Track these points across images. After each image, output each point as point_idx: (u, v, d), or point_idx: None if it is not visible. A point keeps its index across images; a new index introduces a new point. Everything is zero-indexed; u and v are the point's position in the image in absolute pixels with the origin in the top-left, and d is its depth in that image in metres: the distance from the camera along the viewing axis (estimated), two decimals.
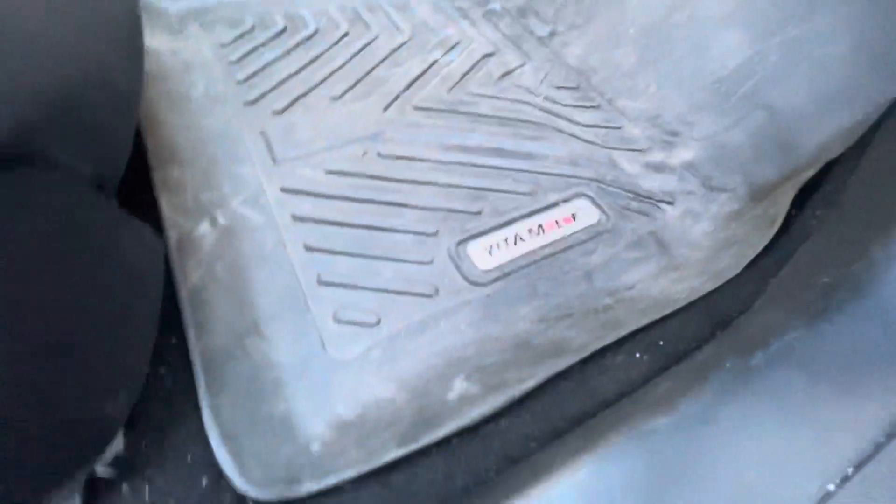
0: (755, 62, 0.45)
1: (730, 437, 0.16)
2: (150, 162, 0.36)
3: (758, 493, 0.15)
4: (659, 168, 0.45)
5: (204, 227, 0.33)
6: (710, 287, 0.29)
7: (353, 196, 0.37)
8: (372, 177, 0.39)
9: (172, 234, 0.31)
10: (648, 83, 0.51)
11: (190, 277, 0.29)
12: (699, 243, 0.38)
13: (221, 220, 0.34)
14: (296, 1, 0.55)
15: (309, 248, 0.34)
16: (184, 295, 0.28)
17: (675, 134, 0.48)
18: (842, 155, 0.37)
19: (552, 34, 0.59)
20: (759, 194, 0.42)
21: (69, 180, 0.16)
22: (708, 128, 0.47)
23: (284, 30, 0.51)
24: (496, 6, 0.63)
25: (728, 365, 0.19)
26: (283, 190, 0.37)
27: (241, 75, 0.46)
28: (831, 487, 0.16)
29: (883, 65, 0.38)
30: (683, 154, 0.47)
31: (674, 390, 0.19)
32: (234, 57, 0.48)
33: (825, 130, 0.41)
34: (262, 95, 0.44)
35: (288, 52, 0.49)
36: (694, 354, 0.21)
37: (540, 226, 0.37)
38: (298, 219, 0.35)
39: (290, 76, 0.47)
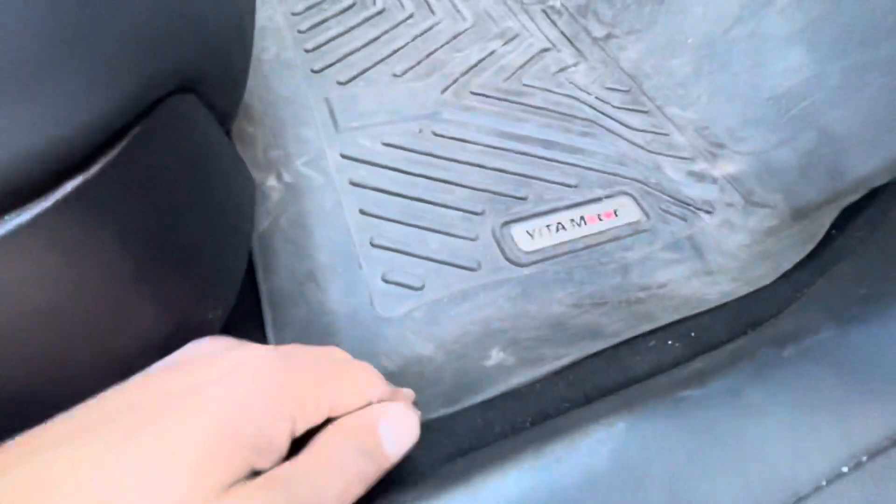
0: (813, 84, 0.45)
1: (756, 412, 0.17)
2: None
3: (777, 464, 0.17)
4: (701, 177, 0.46)
5: (272, 181, 0.35)
6: (742, 292, 0.30)
7: (407, 169, 0.39)
8: (426, 153, 0.41)
9: None
10: (700, 94, 0.52)
11: (259, 224, 0.32)
12: (734, 253, 0.39)
13: (287, 178, 0.36)
14: None
15: (363, 212, 0.36)
16: (255, 239, 0.31)
17: (721, 146, 0.49)
18: (888, 183, 0.38)
19: (608, 36, 0.59)
20: (799, 214, 0.43)
21: (208, 114, 0.18)
22: (756, 143, 0.48)
23: (353, 6, 0.53)
24: (556, 3, 0.64)
25: (759, 354, 0.20)
26: (343, 156, 0.39)
27: (309, 45, 0.48)
28: (845, 469, 0.17)
29: None
30: (728, 167, 0.47)
31: (705, 371, 0.20)
32: (303, 27, 0.50)
33: (876, 159, 0.42)
34: (328, 66, 0.47)
35: (354, 28, 0.51)
36: (726, 345, 0.23)
37: (582, 217, 0.39)
38: (355, 184, 0.38)
39: (355, 50, 0.49)
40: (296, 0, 0.53)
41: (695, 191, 0.45)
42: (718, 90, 0.51)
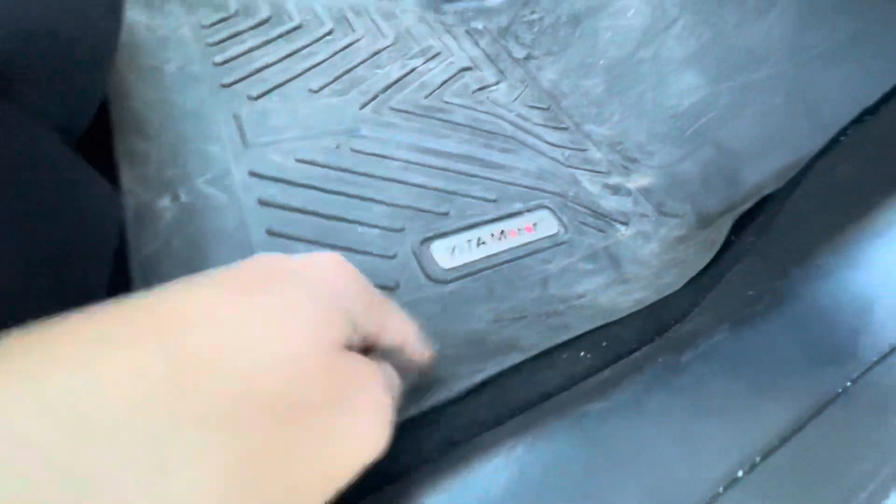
0: (708, 102, 0.49)
1: (655, 422, 0.17)
2: (114, 132, 0.35)
3: (675, 472, 0.16)
4: (617, 190, 0.48)
5: (164, 201, 0.32)
6: (653, 299, 0.31)
7: (322, 186, 0.38)
8: (343, 169, 0.40)
9: (130, 204, 0.30)
10: (613, 112, 0.55)
11: (144, 249, 0.28)
12: (648, 262, 0.41)
13: (184, 197, 0.33)
14: None
15: (272, 233, 0.34)
16: (136, 265, 0.27)
17: (634, 161, 0.52)
18: (776, 191, 0.41)
19: (528, 57, 0.62)
20: (703, 222, 0.46)
21: (31, 116, 0.16)
22: (664, 158, 0.51)
23: (268, 20, 0.51)
24: (479, 25, 0.65)
25: (660, 361, 0.20)
26: (252, 174, 0.37)
27: (219, 58, 0.46)
28: (740, 473, 0.17)
29: (812, 117, 0.43)
30: (640, 180, 0.50)
31: (608, 381, 0.20)
32: (213, 39, 0.47)
33: (764, 169, 0.46)
34: (239, 80, 0.44)
35: (269, 42, 0.49)
36: (633, 354, 0.23)
37: (502, 231, 0.39)
38: (264, 203, 0.35)
39: (270, 65, 0.47)
40: (206, 12, 0.50)
41: (611, 203, 0.47)
42: (628, 108, 0.54)
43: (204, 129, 0.39)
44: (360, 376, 0.16)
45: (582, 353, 0.25)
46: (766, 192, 0.43)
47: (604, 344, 0.25)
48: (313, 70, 0.48)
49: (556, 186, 0.45)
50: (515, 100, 0.55)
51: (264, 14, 0.52)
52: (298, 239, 0.34)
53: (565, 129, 0.54)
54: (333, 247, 0.34)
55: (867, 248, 0.25)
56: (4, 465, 0.09)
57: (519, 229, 0.39)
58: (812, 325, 0.23)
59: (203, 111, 0.40)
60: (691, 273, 0.34)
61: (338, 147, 0.41)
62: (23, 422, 0.10)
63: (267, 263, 0.17)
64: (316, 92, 0.46)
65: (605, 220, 0.44)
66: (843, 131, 0.42)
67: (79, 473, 0.10)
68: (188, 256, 0.30)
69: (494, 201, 0.41)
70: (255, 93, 0.43)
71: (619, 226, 0.45)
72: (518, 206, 0.41)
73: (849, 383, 0.21)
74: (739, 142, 0.47)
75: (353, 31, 0.54)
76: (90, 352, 0.11)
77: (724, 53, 0.49)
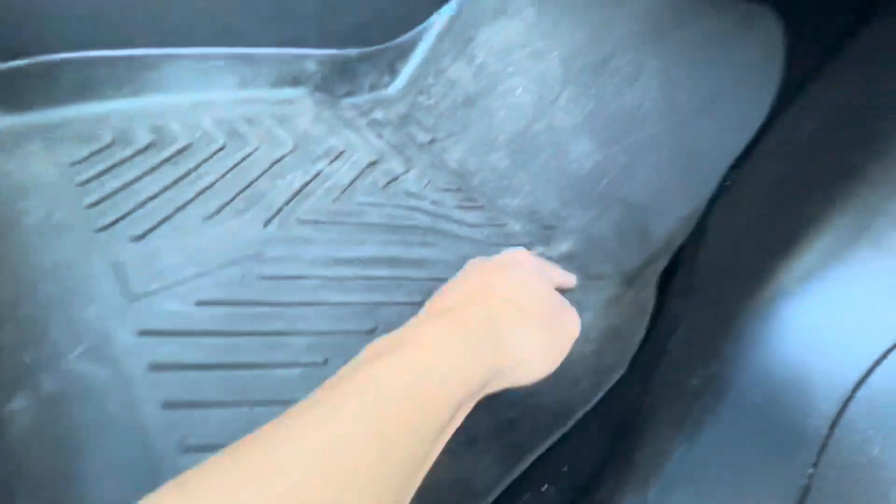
0: (606, 164, 0.52)
1: None
2: None
3: None
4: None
5: (18, 402, 0.26)
6: (602, 391, 0.30)
7: (229, 329, 0.33)
8: (252, 303, 0.36)
9: None
10: (522, 183, 0.57)
11: None
12: (587, 335, 0.40)
13: (49, 385, 0.27)
14: (166, 113, 0.53)
15: (170, 405, 0.28)
16: None
17: (551, 227, 0.53)
18: (689, 242, 0.43)
19: (433, 141, 0.63)
20: (628, 279, 0.47)
21: None
22: (578, 221, 0.52)
23: (150, 145, 0.48)
24: (378, 115, 0.66)
25: (628, 502, 0.18)
26: (140, 333, 0.32)
27: (91, 198, 0.41)
28: None
29: (696, 168, 0.47)
30: (561, 246, 0.51)
31: None
32: (84, 177, 0.43)
33: (669, 219, 0.48)
34: (118, 220, 0.40)
35: (153, 170, 0.45)
36: (598, 487, 0.21)
37: None
38: (158, 367, 0.30)
39: (155, 196, 0.43)
40: (74, 147, 0.46)
41: None
42: (536, 178, 0.56)
43: (74, 288, 0.33)
44: (568, 308, 0.31)
45: (544, 487, 0.22)
46: (678, 243, 0.45)
47: (564, 469, 0.23)
48: (206, 193, 0.44)
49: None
50: (427, 186, 0.55)
51: (143, 140, 0.48)
52: (203, 405, 0.29)
53: (480, 207, 0.54)
54: (247, 404, 0.29)
55: (782, 310, 0.26)
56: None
57: None
58: (758, 411, 0.22)
59: (73, 266, 0.35)
60: (631, 350, 0.34)
61: (243, 278, 0.37)
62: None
63: (488, 267, 0.32)
64: (211, 217, 0.42)
65: None
66: (726, 178, 0.46)
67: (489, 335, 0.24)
68: (53, 471, 0.24)
69: (421, 303, 0.39)
70: (138, 231, 0.39)
71: None
72: None
73: (811, 470, 0.21)
74: (641, 197, 0.50)
75: (248, 142, 0.52)
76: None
77: (609, 119, 0.53)
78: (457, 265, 0.44)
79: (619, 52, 0.54)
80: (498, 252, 0.48)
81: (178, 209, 0.42)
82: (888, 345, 0.24)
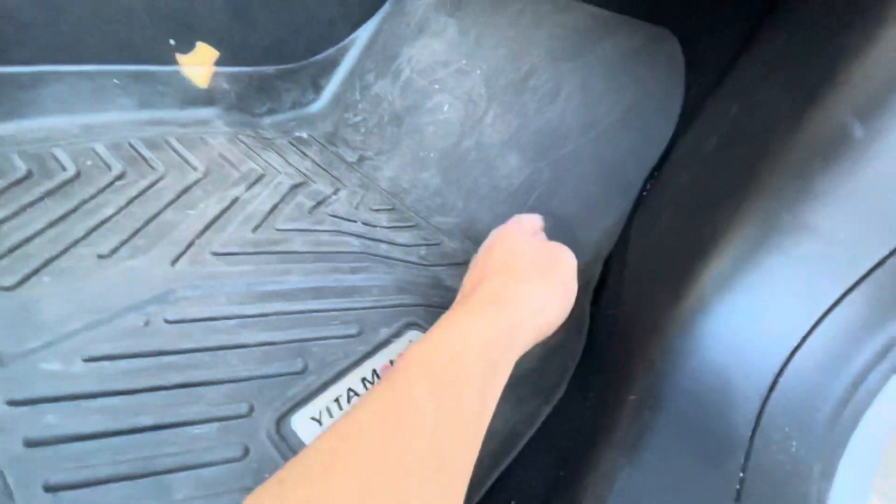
0: (534, 179, 0.53)
1: None
2: None
3: None
4: None
5: None
6: (546, 411, 0.29)
7: (128, 387, 0.29)
8: (156, 353, 0.31)
9: None
10: (456, 200, 0.56)
11: None
12: (529, 352, 0.40)
13: None
14: (48, 139, 0.46)
15: (52, 488, 0.24)
16: None
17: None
18: (615, 253, 0.45)
19: (361, 159, 0.61)
20: None
21: None
22: None
23: (27, 176, 0.41)
24: (303, 134, 0.63)
25: None
26: (12, 403, 0.27)
27: None
28: None
29: (616, 179, 0.49)
30: None
31: None
32: None
33: (594, 230, 0.50)
34: None
35: (31, 204, 0.39)
36: None
37: (375, 372, 0.34)
38: (35, 443, 0.25)
39: (34, 235, 0.37)
40: None
41: None
42: (468, 194, 0.56)
43: None
44: (555, 246, 0.36)
45: None
46: (605, 253, 0.46)
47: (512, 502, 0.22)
48: (101, 229, 0.39)
49: (419, 295, 0.42)
50: (357, 206, 0.52)
51: (20, 170, 0.41)
52: (97, 483, 0.24)
53: (414, 226, 0.53)
54: (153, 474, 0.25)
55: (702, 320, 0.27)
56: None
57: (392, 361, 0.35)
58: (691, 423, 0.22)
59: None
60: (571, 366, 0.34)
61: (147, 324, 0.33)
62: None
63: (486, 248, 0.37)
64: (108, 256, 0.37)
65: None
66: (644, 188, 0.48)
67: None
68: None
69: (356, 336, 0.37)
70: (11, 281, 0.33)
71: None
72: (384, 332, 0.37)
73: (741, 475, 0.21)
74: (569, 209, 0.51)
75: (153, 169, 0.47)
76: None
77: (534, 135, 0.54)
78: (394, 289, 0.42)
79: (538, 69, 0.55)
80: (430, 277, 0.47)
81: (64, 250, 0.36)
82: (794, 344, 0.25)
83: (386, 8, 0.67)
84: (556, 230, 0.51)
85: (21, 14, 0.45)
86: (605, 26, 0.53)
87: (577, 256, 0.50)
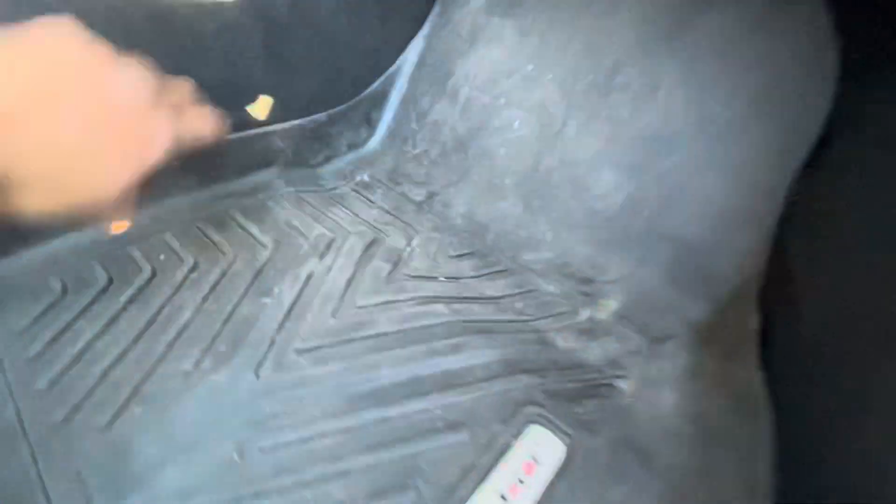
0: (640, 196, 0.44)
1: None
2: None
3: None
4: (592, 330, 0.40)
5: None
6: None
7: None
8: (256, 495, 0.28)
9: None
10: (544, 231, 0.49)
11: None
12: (675, 429, 0.32)
13: None
14: (119, 238, 0.45)
15: None
16: None
17: (589, 281, 0.45)
18: (771, 290, 0.35)
19: (430, 196, 0.55)
20: (706, 338, 0.38)
21: None
22: (620, 268, 0.44)
23: (109, 284, 0.40)
24: (364, 176, 0.59)
25: None
26: None
27: (42, 382, 0.33)
28: None
29: (753, 187, 0.39)
30: (609, 303, 0.43)
31: None
32: (33, 350, 0.35)
33: (733, 253, 0.40)
34: (77, 409, 0.32)
35: (116, 318, 0.38)
36: None
37: (502, 496, 0.28)
38: None
39: (122, 355, 0.35)
40: (15, 314, 0.38)
41: (595, 353, 0.38)
42: (557, 222, 0.48)
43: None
44: None
45: None
46: (753, 292, 0.37)
47: None
48: (182, 337, 0.37)
49: (530, 370, 0.36)
50: (435, 255, 0.47)
51: (102, 279, 0.40)
52: None
53: (504, 271, 0.46)
54: None
55: None
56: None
57: (519, 479, 0.29)
58: None
59: (18, 485, 0.27)
60: (751, 460, 0.26)
61: (241, 455, 0.30)
62: None
63: None
64: (192, 372, 0.34)
65: (603, 387, 0.36)
66: (791, 194, 0.37)
67: None
68: None
69: (469, 443, 0.31)
70: (104, 419, 0.31)
71: (618, 383, 0.36)
72: (497, 428, 0.32)
73: None
74: (693, 230, 0.41)
75: (223, 254, 0.44)
76: None
77: (632, 144, 0.45)
78: (498, 363, 0.36)
79: (625, 63, 0.46)
80: (535, 335, 0.38)
81: (150, 371, 0.34)
82: None
83: (430, 23, 0.61)
84: (679, 258, 0.42)
85: None
86: None
87: (713, 289, 0.40)
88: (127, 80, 0.22)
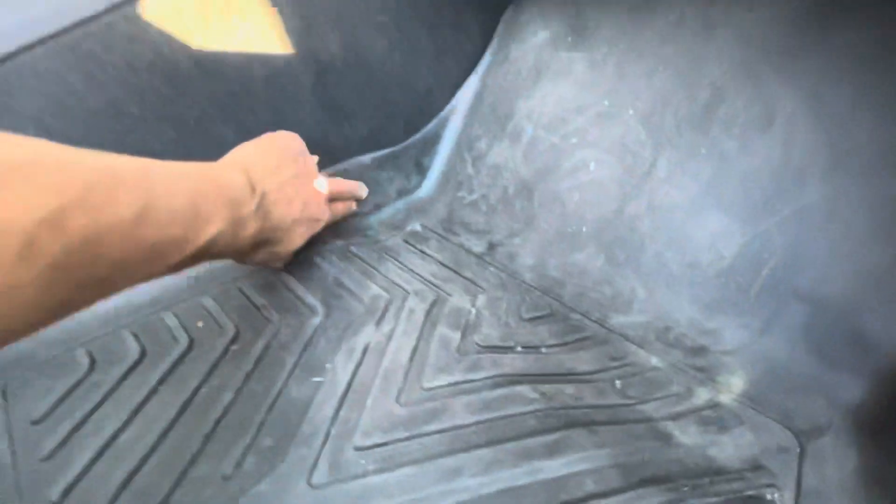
0: (759, 248, 0.36)
1: None
2: None
3: None
4: (718, 420, 0.32)
5: None
6: None
7: None
8: None
9: None
10: (634, 287, 0.41)
11: None
12: None
13: None
14: (157, 301, 0.41)
15: None
16: None
17: (700, 351, 0.37)
18: None
19: (492, 247, 0.49)
20: (870, 425, 0.30)
21: None
22: (737, 335, 0.36)
23: (142, 358, 0.35)
24: (416, 227, 0.53)
25: None
26: None
27: (57, 488, 0.28)
28: None
29: None
30: (732, 381, 0.35)
31: None
32: (51, 444, 0.30)
33: (890, 313, 0.32)
34: None
35: (147, 399, 0.32)
36: None
37: None
38: None
39: (152, 452, 0.29)
40: (36, 396, 0.33)
41: (727, 451, 0.30)
42: (649, 277, 0.41)
43: None
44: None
45: None
46: None
47: None
48: (219, 428, 0.31)
49: (659, 482, 0.28)
50: (507, 320, 0.40)
51: (133, 352, 0.35)
52: None
53: (588, 337, 0.39)
54: None
55: None
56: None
57: None
58: None
59: None
60: None
61: None
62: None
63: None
64: (232, 478, 0.28)
65: (750, 502, 0.27)
66: None
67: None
68: None
69: None
70: None
71: (769, 494, 0.28)
72: None
73: None
74: (836, 287, 0.33)
75: (267, 321, 0.39)
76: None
77: (743, 185, 0.37)
78: (612, 473, 0.28)
79: (728, 90, 0.39)
80: (646, 425, 0.31)
81: (184, 473, 0.28)
82: None
83: (486, 60, 0.57)
84: (818, 321, 0.34)
85: None
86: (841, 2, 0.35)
87: (868, 360, 0.32)
88: (321, 182, 0.41)
